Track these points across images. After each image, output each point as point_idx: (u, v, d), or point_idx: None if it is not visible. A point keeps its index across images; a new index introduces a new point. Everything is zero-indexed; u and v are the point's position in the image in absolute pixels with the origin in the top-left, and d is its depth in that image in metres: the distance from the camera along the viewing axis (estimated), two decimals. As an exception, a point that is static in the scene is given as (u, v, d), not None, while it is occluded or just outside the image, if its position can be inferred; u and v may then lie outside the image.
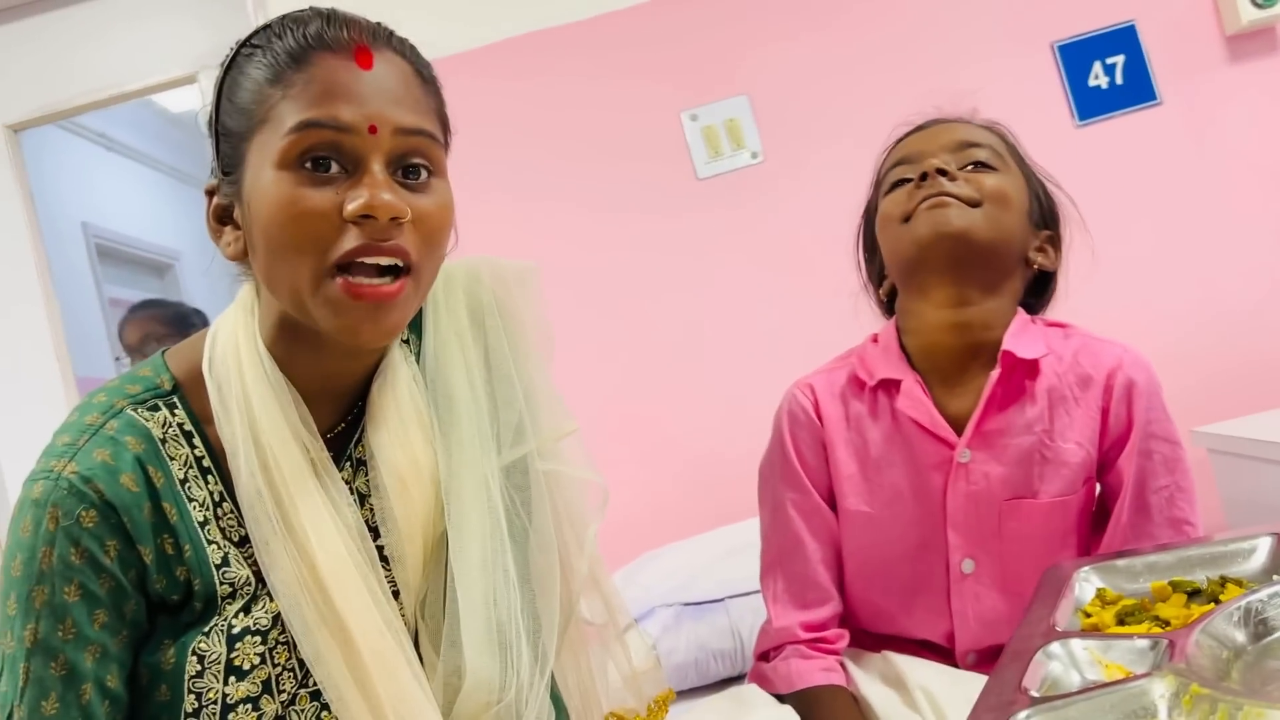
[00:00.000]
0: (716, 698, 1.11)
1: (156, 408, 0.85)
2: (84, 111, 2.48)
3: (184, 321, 2.59)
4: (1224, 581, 0.83)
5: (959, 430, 1.08)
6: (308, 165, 0.78)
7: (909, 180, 1.12)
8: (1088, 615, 0.85)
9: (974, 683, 0.98)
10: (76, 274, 3.47)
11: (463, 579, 0.88)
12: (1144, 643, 0.72)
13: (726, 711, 1.05)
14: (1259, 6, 2.14)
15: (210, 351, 0.87)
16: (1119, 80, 2.22)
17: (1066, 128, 2.23)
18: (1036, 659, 0.74)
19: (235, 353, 0.86)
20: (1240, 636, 0.69)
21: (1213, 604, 0.79)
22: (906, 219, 1.10)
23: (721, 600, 1.65)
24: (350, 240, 0.78)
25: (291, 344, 0.86)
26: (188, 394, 0.87)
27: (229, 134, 0.82)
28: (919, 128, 1.20)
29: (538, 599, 0.93)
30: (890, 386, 1.12)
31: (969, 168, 1.11)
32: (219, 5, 2.38)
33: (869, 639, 1.15)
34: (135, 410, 0.84)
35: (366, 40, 0.82)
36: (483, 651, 0.87)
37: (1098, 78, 2.22)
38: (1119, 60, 2.22)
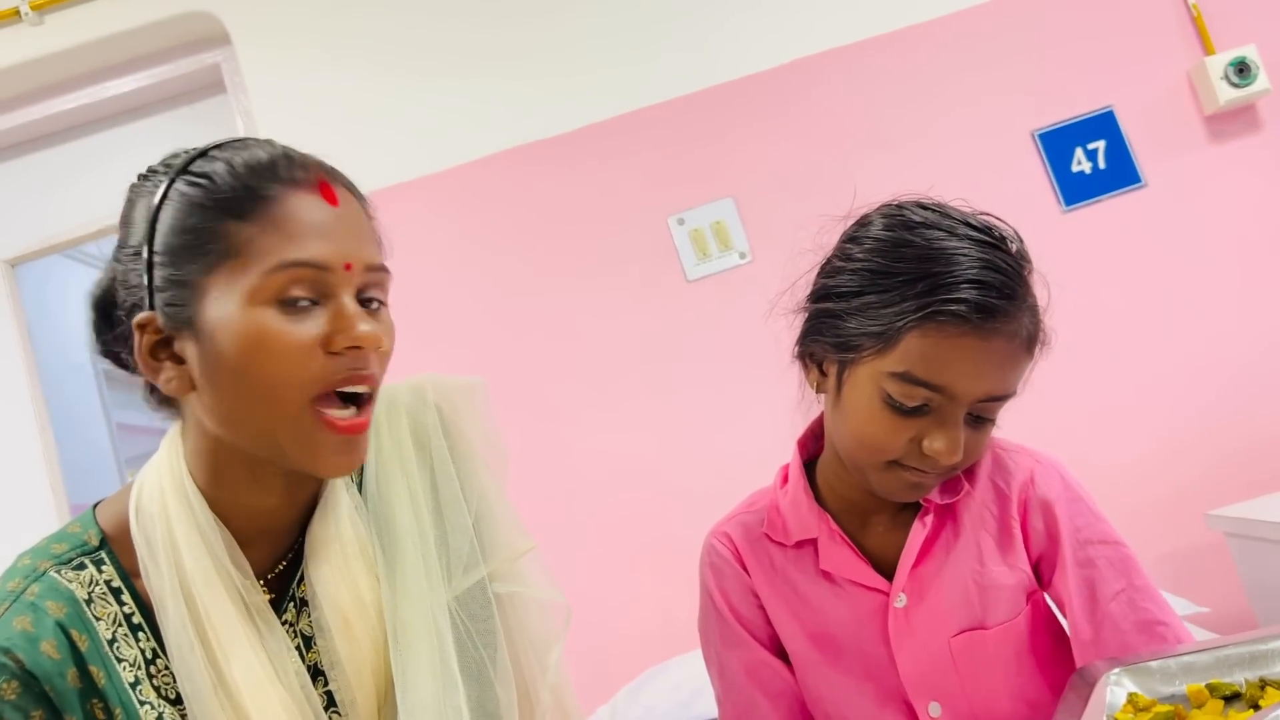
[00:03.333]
0: None
1: (82, 565, 0.83)
2: (81, 243, 2.49)
3: None
4: (1264, 685, 0.78)
5: (887, 572, 1.03)
6: (284, 301, 0.77)
7: (919, 411, 0.93)
8: (1120, 724, 0.79)
9: None
10: (84, 401, 3.46)
11: None
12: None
13: None
14: (1235, 86, 2.17)
15: (136, 500, 0.84)
16: (1102, 164, 2.23)
17: (1054, 214, 2.23)
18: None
19: (161, 498, 0.83)
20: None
21: (1251, 710, 0.74)
22: (888, 464, 0.96)
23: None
24: (331, 371, 0.78)
25: (226, 483, 0.84)
26: (115, 548, 0.84)
27: (172, 265, 0.79)
28: (968, 317, 0.90)
29: None
30: (809, 544, 1.05)
31: (978, 422, 0.96)
32: (207, 129, 2.41)
33: None
34: (59, 572, 0.82)
35: (325, 176, 0.82)
36: None
37: (1080, 163, 2.24)
38: (1100, 145, 2.24)
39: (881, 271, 0.94)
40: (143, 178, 0.85)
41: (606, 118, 2.28)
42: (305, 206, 0.79)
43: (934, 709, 1.00)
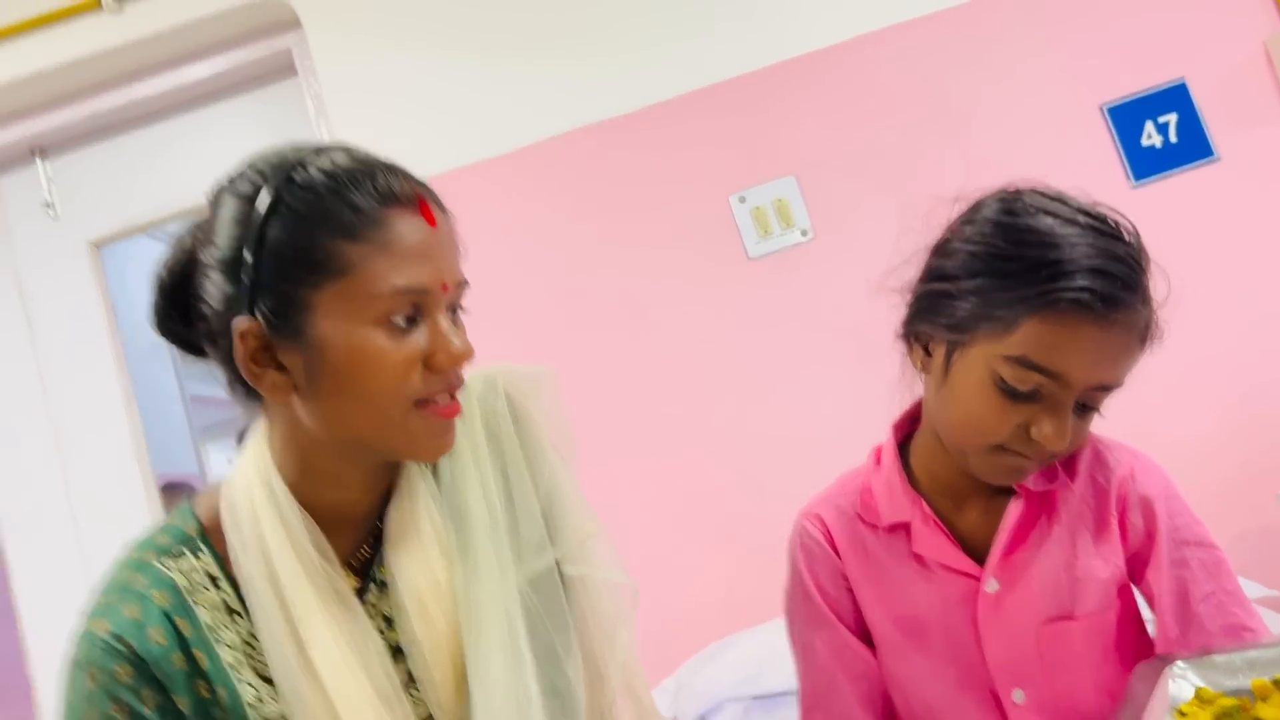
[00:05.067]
0: None
1: (182, 554, 0.89)
2: (163, 224, 2.58)
3: None
4: (1336, 687, 0.79)
5: (979, 556, 1.04)
6: (388, 322, 0.83)
7: (1031, 396, 0.93)
8: (1183, 715, 0.81)
9: None
10: (161, 375, 3.59)
11: (482, 700, 0.89)
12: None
13: None
14: (1314, 57, 2.11)
15: (228, 495, 0.90)
16: (1173, 139, 2.19)
17: (1122, 189, 2.20)
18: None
19: (249, 493, 0.89)
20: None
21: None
22: (992, 447, 0.97)
23: (792, 693, 1.60)
24: (431, 384, 0.85)
25: (311, 477, 0.89)
26: (211, 539, 0.90)
27: (280, 278, 0.83)
28: (1090, 305, 0.90)
29: (564, 713, 0.93)
30: (901, 527, 1.07)
31: (1083, 411, 0.97)
32: (280, 112, 2.49)
33: None
34: (162, 563, 0.88)
35: (424, 195, 0.86)
36: None
37: (1150, 137, 2.19)
38: (1171, 118, 2.19)
39: (1000, 255, 0.94)
40: (232, 180, 0.89)
41: (667, 98, 2.29)
42: (409, 229, 0.84)
43: (1018, 696, 1.02)
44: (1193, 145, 2.18)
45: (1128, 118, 2.20)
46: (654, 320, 2.25)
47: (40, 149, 2.54)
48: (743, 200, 2.25)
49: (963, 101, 2.24)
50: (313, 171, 0.84)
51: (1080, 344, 0.90)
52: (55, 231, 2.53)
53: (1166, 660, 0.91)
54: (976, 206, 1.01)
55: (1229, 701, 0.80)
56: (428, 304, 0.85)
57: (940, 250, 1.02)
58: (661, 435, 2.21)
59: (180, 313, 0.92)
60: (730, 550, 2.14)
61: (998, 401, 0.93)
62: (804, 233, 2.24)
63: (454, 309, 0.89)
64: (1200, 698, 0.83)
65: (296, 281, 0.83)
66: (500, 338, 2.00)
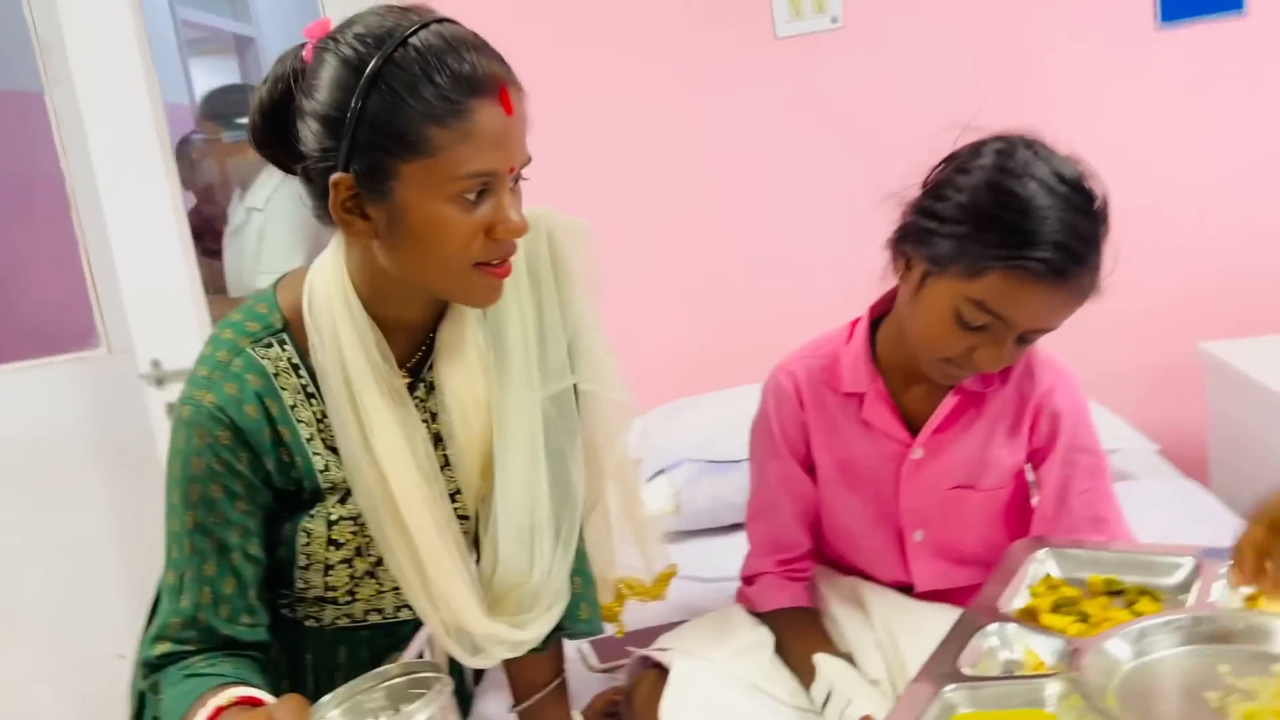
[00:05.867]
0: (706, 618, 1.36)
1: (270, 344, 1.07)
2: None
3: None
4: (1142, 591, 1.04)
5: (914, 429, 1.28)
6: (462, 196, 0.97)
7: (980, 329, 1.12)
8: (1034, 595, 1.07)
9: (921, 611, 1.25)
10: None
11: (502, 491, 1.13)
12: (1058, 641, 0.95)
13: (714, 631, 1.31)
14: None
15: (309, 297, 1.07)
16: (1207, -16, 2.20)
17: (1148, 28, 2.24)
18: (975, 640, 0.96)
19: (328, 300, 1.06)
20: (1126, 652, 0.91)
21: (1129, 611, 1.01)
22: (942, 359, 1.16)
23: (738, 462, 1.88)
24: (490, 251, 1.01)
25: (381, 294, 1.07)
26: (293, 331, 1.09)
27: (374, 147, 0.96)
28: (1045, 275, 1.07)
29: (565, 504, 1.17)
30: (857, 396, 1.29)
31: (1021, 342, 1.15)
32: None
33: (839, 569, 1.38)
34: (254, 348, 1.07)
35: (505, 84, 0.96)
36: (513, 547, 1.13)
37: (1186, -22, 2.20)
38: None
39: (984, 213, 1.10)
40: (336, 40, 0.98)
41: None
42: (488, 119, 0.96)
43: (918, 536, 1.31)
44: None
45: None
46: (677, 80, 2.33)
47: None
48: (780, -26, 2.25)
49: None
50: (410, 51, 0.95)
51: (1030, 300, 1.10)
52: None
53: (1040, 543, 1.17)
54: (975, 152, 1.15)
55: (1070, 591, 1.06)
56: (495, 184, 0.99)
57: (934, 191, 1.17)
58: (666, 197, 2.37)
59: (277, 136, 1.04)
60: (712, 316, 2.36)
61: (953, 328, 1.13)
62: (834, 19, 2.27)
63: (517, 181, 1.03)
64: (1047, 583, 1.09)
65: (388, 152, 0.96)
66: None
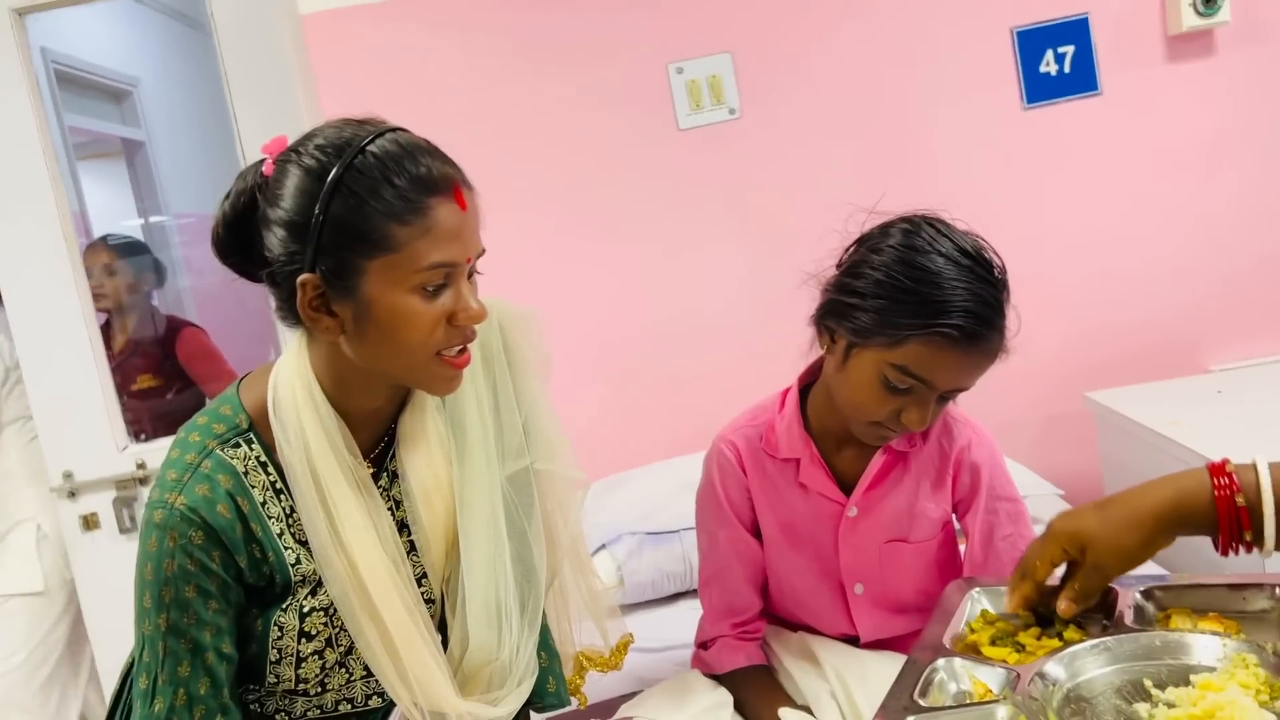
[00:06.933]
0: (665, 684, 1.42)
1: (238, 444, 1.11)
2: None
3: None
4: (1068, 623, 1.14)
5: (847, 488, 1.37)
6: (424, 288, 1.04)
7: (905, 392, 1.21)
8: (972, 630, 1.16)
9: (868, 659, 1.33)
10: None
11: (468, 571, 1.18)
12: (1001, 670, 1.04)
13: (675, 695, 1.38)
14: (1200, 14, 2.36)
15: (274, 395, 1.12)
16: (1067, 69, 2.44)
17: (1015, 109, 2.46)
18: (926, 674, 1.05)
19: (293, 397, 1.11)
20: (1062, 675, 1.00)
21: (1058, 639, 1.10)
22: (871, 422, 1.26)
23: (676, 532, 1.97)
24: (452, 338, 1.07)
25: (344, 388, 1.12)
26: (259, 429, 1.13)
27: (339, 247, 1.02)
28: (959, 340, 1.17)
29: (528, 581, 1.23)
30: (794, 460, 1.38)
31: (941, 401, 1.25)
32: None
33: (788, 625, 1.46)
34: (222, 450, 1.10)
35: (459, 183, 1.04)
36: (482, 626, 1.18)
37: (1048, 65, 2.44)
38: (1069, 50, 2.43)
39: (898, 287, 1.21)
40: (298, 152, 1.05)
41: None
42: (447, 214, 1.03)
43: (858, 589, 1.39)
44: (1082, 77, 2.44)
45: (1033, 43, 2.44)
46: (587, 170, 2.45)
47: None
48: (680, 71, 2.40)
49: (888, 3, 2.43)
50: (369, 158, 1.03)
51: (948, 363, 1.21)
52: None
53: (972, 583, 1.26)
54: (884, 232, 1.27)
55: (1005, 625, 1.15)
56: (455, 274, 1.06)
57: (850, 270, 1.28)
58: (583, 278, 2.47)
59: (239, 246, 1.10)
60: (632, 394, 2.45)
61: (880, 392, 1.24)
62: (731, 111, 2.42)
63: (472, 273, 1.11)
64: (984, 618, 1.18)
65: (353, 251, 1.03)
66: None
